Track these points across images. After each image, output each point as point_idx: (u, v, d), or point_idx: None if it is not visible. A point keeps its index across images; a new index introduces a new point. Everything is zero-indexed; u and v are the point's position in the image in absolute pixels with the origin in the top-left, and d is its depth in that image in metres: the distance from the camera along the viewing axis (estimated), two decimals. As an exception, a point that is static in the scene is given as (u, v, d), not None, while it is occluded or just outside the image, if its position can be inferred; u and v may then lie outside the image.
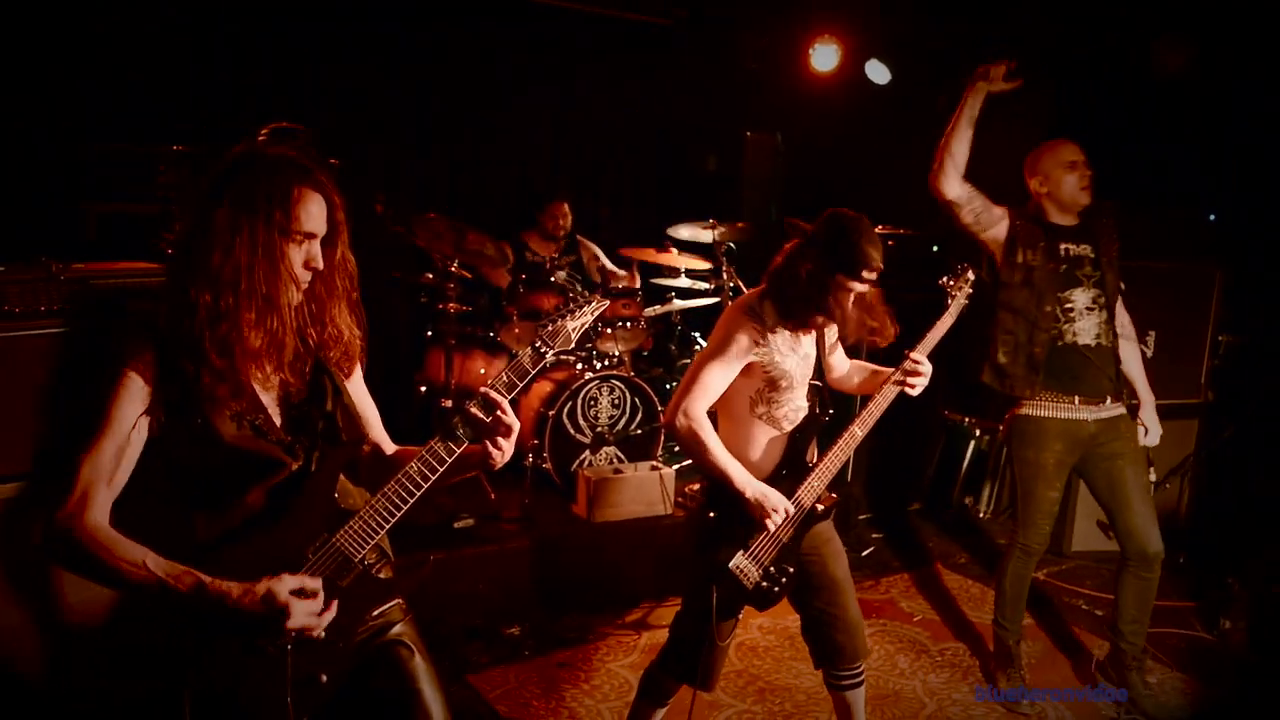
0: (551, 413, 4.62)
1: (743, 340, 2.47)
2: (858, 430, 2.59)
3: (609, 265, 5.41)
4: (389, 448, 2.05)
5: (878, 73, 6.03)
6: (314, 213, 1.75)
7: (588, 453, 4.76)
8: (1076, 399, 3.28)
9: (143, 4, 4.59)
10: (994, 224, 3.25)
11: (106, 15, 4.54)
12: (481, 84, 5.98)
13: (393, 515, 1.78)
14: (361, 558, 1.77)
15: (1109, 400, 3.31)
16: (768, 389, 2.53)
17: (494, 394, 1.83)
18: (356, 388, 2.00)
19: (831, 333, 2.71)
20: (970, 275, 2.86)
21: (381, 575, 1.85)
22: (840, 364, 2.88)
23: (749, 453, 2.56)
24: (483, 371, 5.04)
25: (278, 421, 1.81)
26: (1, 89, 4.33)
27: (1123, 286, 3.39)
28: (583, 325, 2.01)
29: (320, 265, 1.78)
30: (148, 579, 1.58)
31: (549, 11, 5.97)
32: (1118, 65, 5.10)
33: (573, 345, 2.02)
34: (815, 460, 2.59)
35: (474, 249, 4.71)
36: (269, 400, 1.81)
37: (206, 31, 4.84)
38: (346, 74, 5.38)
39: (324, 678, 1.74)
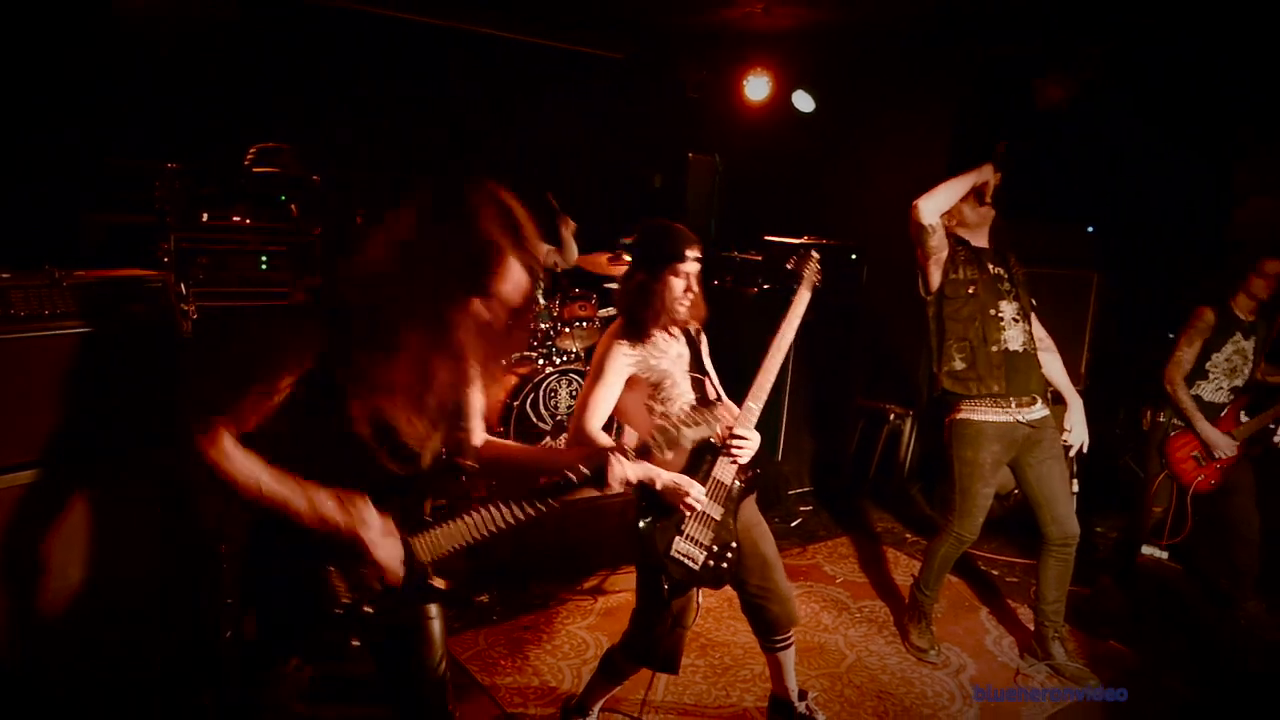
0: (515, 403, 4.60)
1: (616, 359, 2.49)
2: (752, 405, 2.57)
3: (557, 259, 5.29)
4: (479, 438, 2.00)
5: (803, 102, 6.11)
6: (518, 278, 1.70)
7: (549, 438, 4.75)
8: (1012, 402, 3.27)
9: (141, 34, 4.48)
10: (944, 248, 3.25)
11: (107, 43, 4.44)
12: (452, 106, 5.95)
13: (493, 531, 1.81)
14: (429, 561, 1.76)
15: (1039, 402, 3.32)
16: (655, 390, 2.53)
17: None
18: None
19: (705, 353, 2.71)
20: (815, 255, 2.87)
21: (437, 584, 1.82)
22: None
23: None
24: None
25: (408, 433, 1.75)
26: (11, 109, 4.22)
27: (1034, 303, 3.41)
28: None
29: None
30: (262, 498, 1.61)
31: (516, 44, 5.95)
32: (1007, 99, 5.22)
33: None
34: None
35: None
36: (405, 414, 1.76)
37: (201, 59, 4.75)
38: (328, 98, 5.30)
39: (355, 643, 1.73)
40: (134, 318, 2.82)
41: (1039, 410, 3.32)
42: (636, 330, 2.52)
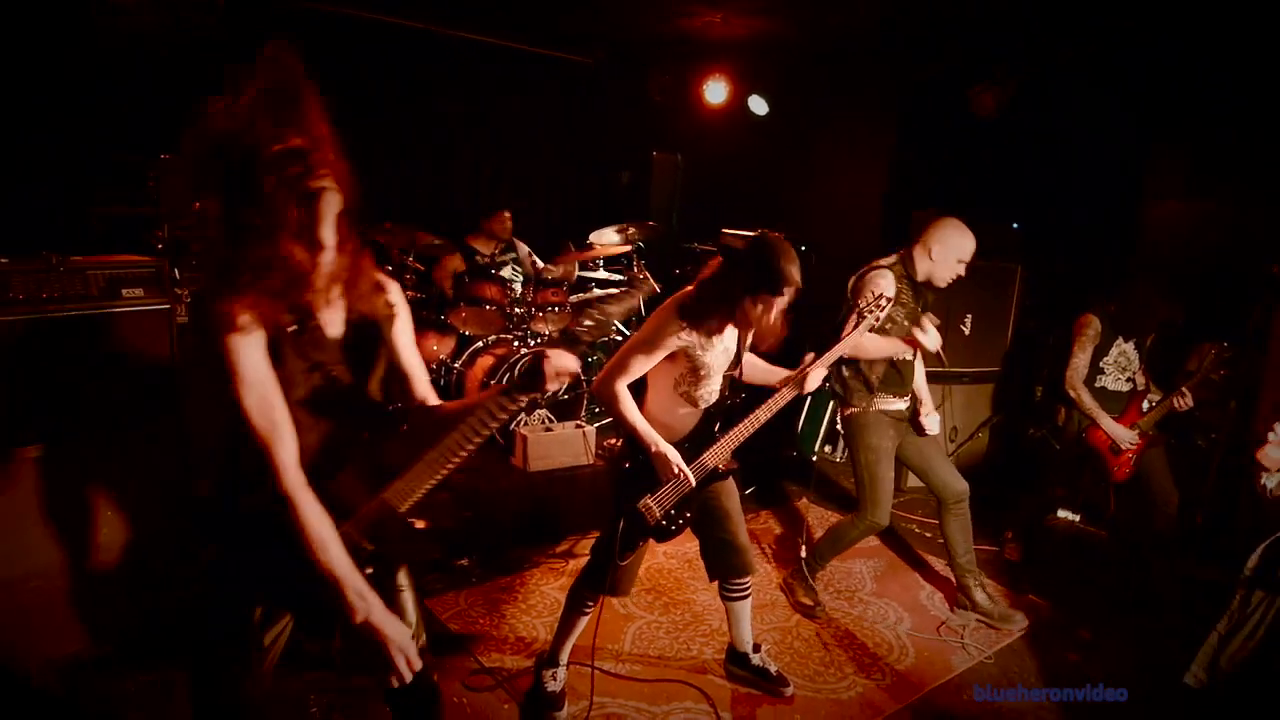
0: (493, 382, 4.54)
1: (668, 335, 2.41)
2: (762, 414, 2.57)
3: (540, 262, 5.34)
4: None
5: (758, 105, 6.09)
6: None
7: (524, 414, 4.70)
8: (901, 396, 3.34)
9: (139, 39, 4.32)
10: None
11: (108, 46, 4.29)
12: (436, 109, 5.83)
13: (446, 468, 1.57)
14: (405, 510, 1.62)
15: (910, 395, 3.39)
16: (690, 374, 2.49)
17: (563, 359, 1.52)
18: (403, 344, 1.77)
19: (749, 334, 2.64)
20: (884, 303, 2.77)
21: (418, 525, 1.72)
22: (745, 360, 2.85)
23: (669, 420, 2.54)
24: (435, 348, 4.92)
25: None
26: (21, 112, 4.07)
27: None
28: (628, 310, 1.65)
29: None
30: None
31: (493, 49, 5.84)
32: (945, 108, 5.24)
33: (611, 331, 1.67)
34: (721, 432, 2.57)
35: (425, 243, 4.59)
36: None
37: (195, 60, 4.56)
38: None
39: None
40: (128, 301, 2.74)
41: (910, 401, 3.39)
42: (705, 312, 2.40)
